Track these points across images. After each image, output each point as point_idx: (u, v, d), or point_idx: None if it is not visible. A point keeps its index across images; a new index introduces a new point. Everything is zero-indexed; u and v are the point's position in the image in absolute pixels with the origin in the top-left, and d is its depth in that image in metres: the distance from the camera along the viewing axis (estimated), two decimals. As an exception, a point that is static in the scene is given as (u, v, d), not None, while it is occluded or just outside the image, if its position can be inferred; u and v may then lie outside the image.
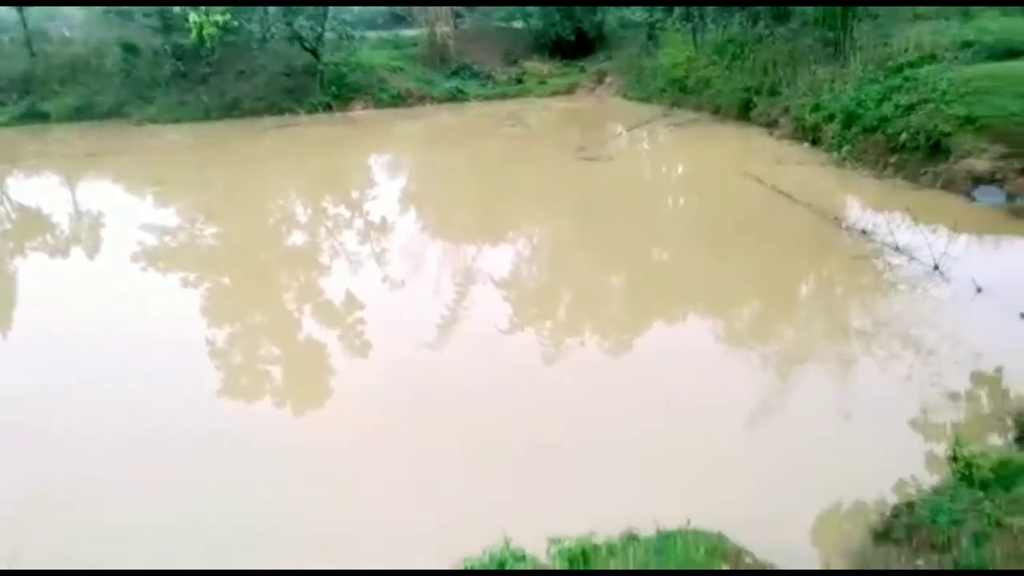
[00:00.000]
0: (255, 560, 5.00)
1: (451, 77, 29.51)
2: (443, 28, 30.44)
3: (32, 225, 14.58)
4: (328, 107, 26.23)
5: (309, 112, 25.75)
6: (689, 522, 4.80)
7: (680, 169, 18.19)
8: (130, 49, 26.28)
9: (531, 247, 12.41)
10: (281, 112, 25.69)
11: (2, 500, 5.82)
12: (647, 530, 4.81)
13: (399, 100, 27.45)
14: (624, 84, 28.41)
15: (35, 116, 25.43)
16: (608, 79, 29.88)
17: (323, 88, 26.46)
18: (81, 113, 25.58)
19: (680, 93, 23.99)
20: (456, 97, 28.35)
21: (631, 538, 4.77)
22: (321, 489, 5.85)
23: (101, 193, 17.15)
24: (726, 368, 7.70)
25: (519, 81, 30.15)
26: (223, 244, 13.05)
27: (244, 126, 24.30)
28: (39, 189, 17.85)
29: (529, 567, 4.34)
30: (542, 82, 30.15)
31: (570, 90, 29.86)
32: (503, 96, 28.86)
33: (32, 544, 5.25)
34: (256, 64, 26.36)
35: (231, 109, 25.69)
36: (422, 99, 27.95)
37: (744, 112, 20.43)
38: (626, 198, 14.82)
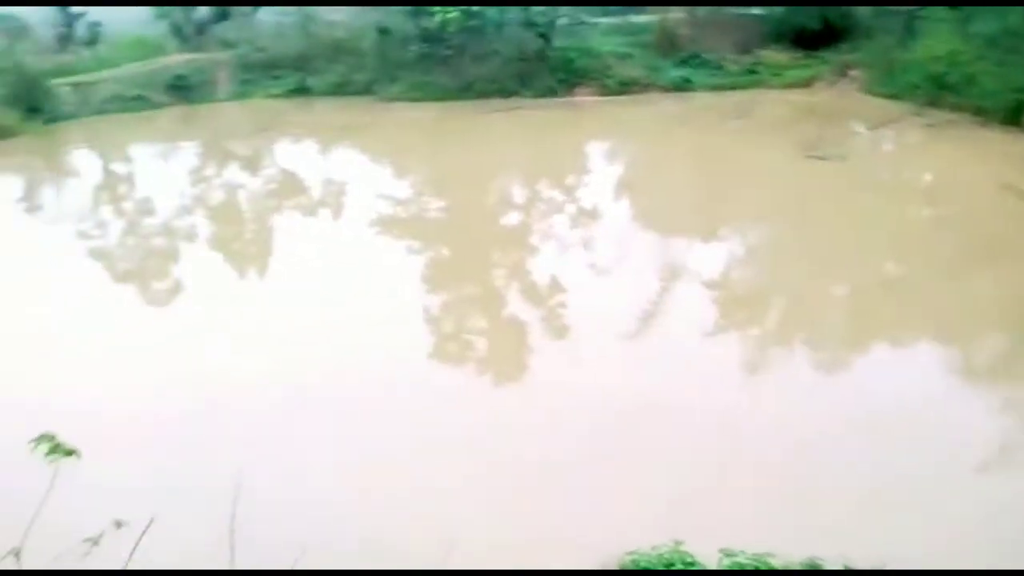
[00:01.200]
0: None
1: (679, 66, 28.76)
2: (676, 14, 29.71)
3: (292, 187, 16.71)
4: (552, 92, 26.88)
5: (535, 96, 26.59)
6: (885, 565, 4.47)
7: (927, 176, 16.34)
8: (384, 32, 28.87)
9: (744, 248, 11.92)
10: (509, 95, 26.79)
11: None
12: (834, 562, 4.55)
13: (623, 88, 27.36)
14: (870, 78, 25.86)
15: (302, 90, 28.94)
16: (852, 72, 27.35)
17: (551, 73, 27.15)
18: (339, 89, 28.66)
19: (937, 91, 21.32)
20: (682, 87, 27.62)
21: (813, 567, 4.54)
22: (507, 466, 6.21)
23: (349, 162, 19.22)
24: (959, 403, 6.93)
25: (752, 72, 28.58)
26: (446, 217, 14.04)
27: (474, 107, 25.72)
28: (300, 155, 20.39)
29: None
30: (777, 73, 28.33)
31: (808, 83, 27.78)
32: (733, 87, 27.59)
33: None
34: (491, 48, 27.70)
35: (465, 90, 27.30)
36: (647, 87, 27.58)
37: (1015, 116, 17.73)
38: (857, 203, 13.60)
